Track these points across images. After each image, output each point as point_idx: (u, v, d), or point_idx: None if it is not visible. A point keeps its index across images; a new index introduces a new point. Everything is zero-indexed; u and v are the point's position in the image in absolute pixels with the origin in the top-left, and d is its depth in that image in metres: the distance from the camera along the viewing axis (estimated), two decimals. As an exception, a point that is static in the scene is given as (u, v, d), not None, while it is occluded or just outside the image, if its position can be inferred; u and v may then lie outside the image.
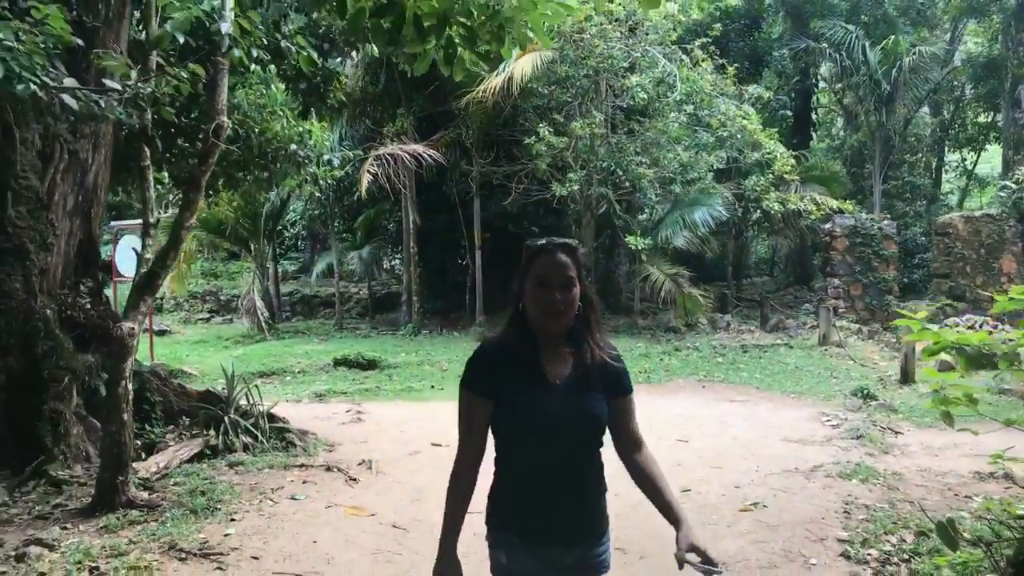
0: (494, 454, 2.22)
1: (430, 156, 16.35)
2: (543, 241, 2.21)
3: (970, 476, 6.21)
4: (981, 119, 28.60)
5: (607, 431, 2.24)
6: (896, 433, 8.12)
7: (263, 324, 18.31)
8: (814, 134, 29.37)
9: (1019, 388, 9.49)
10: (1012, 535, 3.81)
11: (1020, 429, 4.21)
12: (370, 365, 13.55)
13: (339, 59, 12.37)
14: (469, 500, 2.23)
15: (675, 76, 15.63)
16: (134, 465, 5.88)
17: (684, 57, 16.23)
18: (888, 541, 4.66)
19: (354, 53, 12.84)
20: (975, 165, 29.96)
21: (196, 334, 20.06)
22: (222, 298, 23.26)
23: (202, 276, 24.58)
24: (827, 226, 17.20)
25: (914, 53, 20.07)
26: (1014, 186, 15.75)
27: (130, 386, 5.56)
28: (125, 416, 5.44)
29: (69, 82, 5.07)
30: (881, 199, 22.00)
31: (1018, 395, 9.69)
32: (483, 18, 3.76)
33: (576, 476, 2.20)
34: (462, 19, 3.69)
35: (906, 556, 4.39)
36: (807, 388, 10.73)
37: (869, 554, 4.45)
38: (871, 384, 10.59)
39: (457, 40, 3.78)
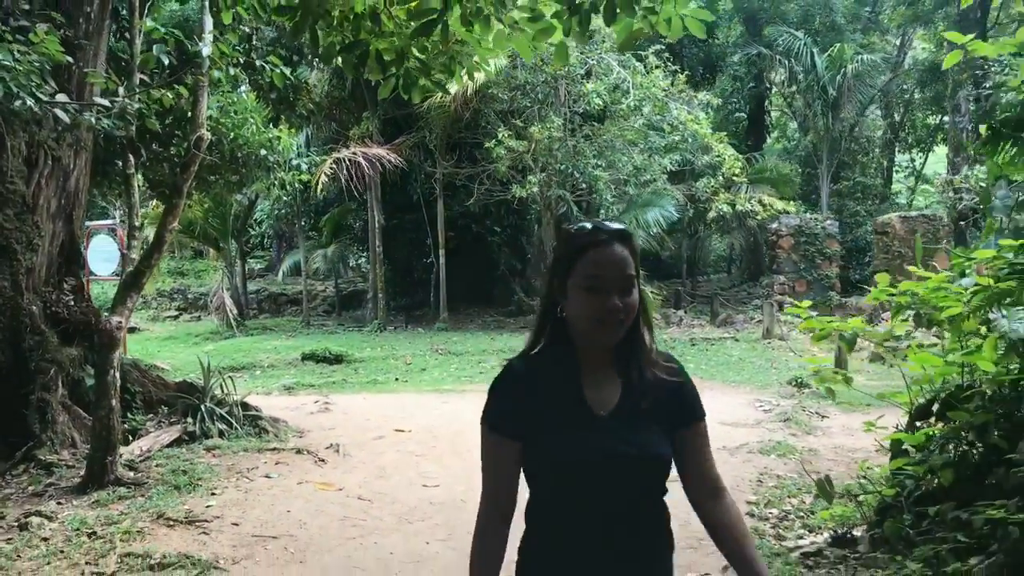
0: (524, 508, 1.79)
1: (391, 160, 16.88)
2: (589, 225, 1.69)
3: (876, 451, 6.96)
4: (929, 121, 29.78)
5: (672, 472, 1.72)
6: (822, 417, 8.89)
7: (232, 321, 18.72)
8: (768, 136, 30.37)
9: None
10: (876, 490, 4.54)
11: (892, 404, 4.97)
12: (337, 360, 14.07)
13: (308, 68, 12.87)
14: (499, 567, 1.76)
15: (629, 83, 16.36)
16: (119, 448, 6.41)
17: (638, 64, 16.96)
18: (790, 503, 5.39)
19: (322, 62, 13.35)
20: (923, 166, 31.17)
21: (165, 331, 20.39)
22: (190, 296, 23.57)
23: (169, 274, 24.84)
24: (774, 226, 18.11)
25: (858, 61, 21.04)
26: (932, 188, 16.75)
27: (117, 375, 6.08)
28: (113, 402, 5.97)
29: (61, 97, 5.59)
30: (833, 199, 22.97)
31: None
32: (436, 53, 4.38)
33: (632, 536, 1.68)
34: (417, 54, 4.32)
35: (802, 514, 5.11)
36: (747, 378, 11.50)
37: (771, 512, 5.17)
38: (806, 373, 11.37)
39: (414, 71, 4.40)
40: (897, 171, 31.54)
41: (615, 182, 17.17)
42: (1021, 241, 4.09)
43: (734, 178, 17.62)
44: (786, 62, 22.36)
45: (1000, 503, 3.31)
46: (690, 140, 17.44)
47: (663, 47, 17.93)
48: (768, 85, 27.36)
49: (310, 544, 4.95)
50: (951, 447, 4.05)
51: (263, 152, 8.51)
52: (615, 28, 3.53)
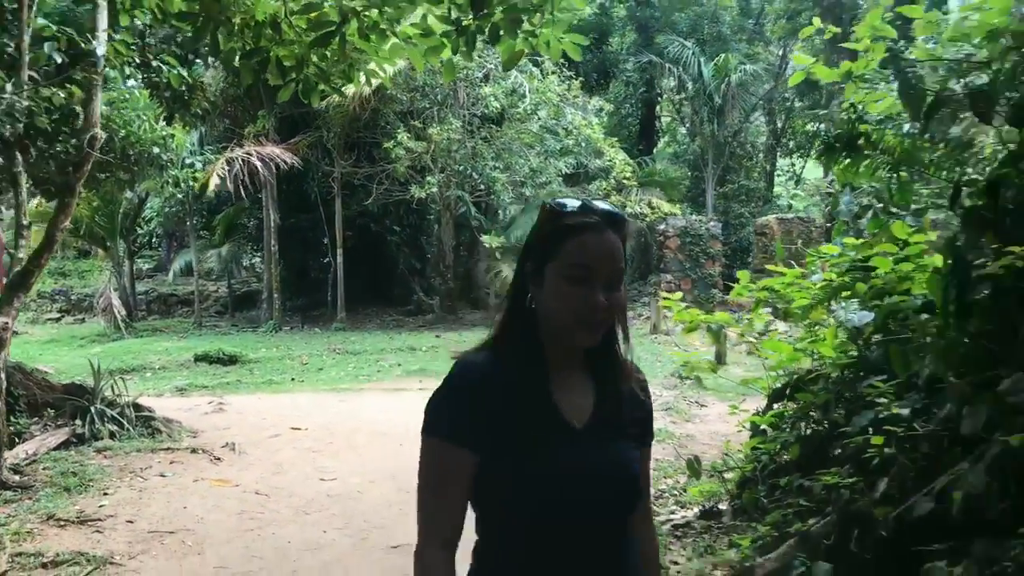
0: (474, 537, 1.52)
1: (286, 160, 16.74)
2: (578, 203, 1.46)
3: (746, 434, 7.56)
4: (808, 128, 31.55)
5: None
6: (701, 405, 9.51)
7: (120, 323, 18.12)
8: (660, 141, 31.54)
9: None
10: (737, 466, 5.03)
11: (760, 390, 5.48)
12: (231, 360, 13.89)
13: (203, 66, 12.66)
14: None
15: (525, 87, 16.81)
16: (3, 452, 6.27)
17: (534, 69, 17.43)
18: (666, 483, 5.85)
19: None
20: (803, 170, 33.01)
21: (46, 334, 19.51)
22: (73, 297, 22.60)
23: (50, 275, 23.69)
24: (661, 227, 18.98)
25: (742, 70, 22.23)
26: (802, 192, 17.99)
27: (3, 377, 5.96)
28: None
29: (-58, 93, 5.48)
30: (720, 201, 24.14)
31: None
32: (335, 60, 4.58)
33: (609, 566, 1.48)
34: (317, 61, 4.50)
35: (676, 492, 5.57)
36: (635, 371, 12.08)
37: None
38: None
39: (313, 77, 4.59)
40: (779, 175, 33.28)
41: (512, 183, 17.61)
42: (861, 240, 4.64)
43: (625, 181, 18.34)
44: (675, 70, 23.38)
45: (835, 470, 3.80)
46: (584, 144, 18.06)
47: (558, 53, 18.45)
48: (659, 91, 28.45)
49: (207, 537, 5.05)
50: (801, 425, 4.55)
51: (156, 150, 8.42)
52: (499, 48, 3.84)
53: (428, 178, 16.71)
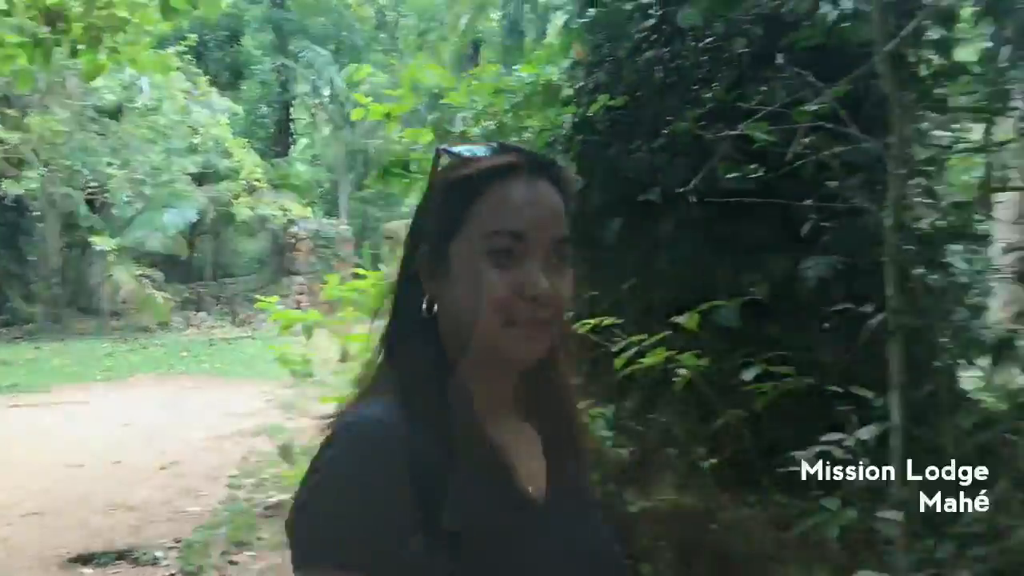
0: None
1: None
2: (491, 145, 0.94)
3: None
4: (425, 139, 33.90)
5: None
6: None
7: None
8: (296, 143, 31.65)
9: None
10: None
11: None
12: None
13: None
14: None
15: (143, 81, 15.98)
16: None
17: (155, 62, 16.61)
18: (270, 472, 6.30)
19: None
20: (427, 179, 35.27)
21: None
22: None
23: None
24: (292, 229, 19.34)
25: (370, 82, 23.30)
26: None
27: None
28: None
29: None
30: (357, 205, 25.08)
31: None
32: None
33: None
34: None
35: (279, 480, 6.05)
36: (259, 372, 12.23)
37: (248, 481, 6.02)
38: (316, 365, 12.54)
39: None
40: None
41: (132, 181, 16.61)
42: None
43: (256, 183, 18.29)
44: (309, 75, 23.74)
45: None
46: (212, 143, 17.65)
47: (185, 48, 17.77)
48: (294, 95, 28.59)
49: None
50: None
51: None
52: (80, 58, 3.95)
53: (27, 172, 15.12)
